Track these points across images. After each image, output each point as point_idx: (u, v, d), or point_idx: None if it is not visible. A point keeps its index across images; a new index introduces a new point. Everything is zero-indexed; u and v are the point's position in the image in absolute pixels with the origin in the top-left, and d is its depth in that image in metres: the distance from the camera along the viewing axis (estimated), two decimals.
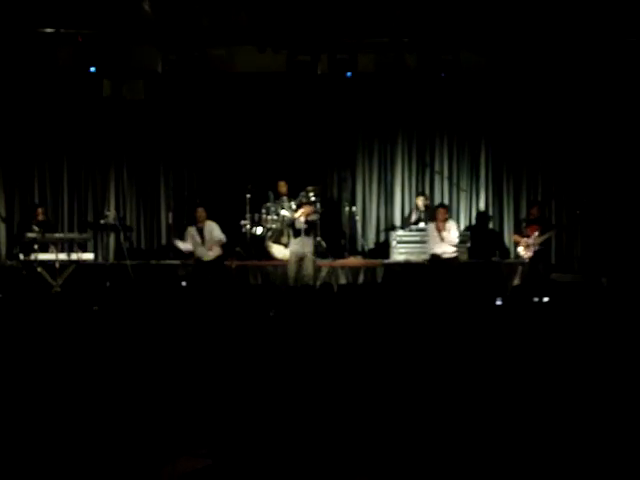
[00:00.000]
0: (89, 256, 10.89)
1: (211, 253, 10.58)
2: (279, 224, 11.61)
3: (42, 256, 10.28)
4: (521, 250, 10.99)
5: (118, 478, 3.32)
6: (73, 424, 3.62)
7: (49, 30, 10.82)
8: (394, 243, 11.79)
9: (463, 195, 12.75)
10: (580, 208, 11.78)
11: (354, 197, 12.71)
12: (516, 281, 11.05)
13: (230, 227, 11.20)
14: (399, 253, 11.67)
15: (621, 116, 12.01)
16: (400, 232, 11.92)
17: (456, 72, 11.46)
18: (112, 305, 7.26)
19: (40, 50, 11.02)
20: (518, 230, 11.69)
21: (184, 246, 10.64)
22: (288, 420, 3.66)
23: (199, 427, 3.66)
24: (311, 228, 10.57)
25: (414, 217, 12.04)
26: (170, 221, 11.98)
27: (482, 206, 12.73)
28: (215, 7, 10.65)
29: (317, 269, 10.76)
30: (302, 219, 10.48)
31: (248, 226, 11.74)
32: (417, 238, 11.57)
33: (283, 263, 10.98)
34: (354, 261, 11.84)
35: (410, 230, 11.79)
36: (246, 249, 11.71)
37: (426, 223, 11.47)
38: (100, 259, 11.87)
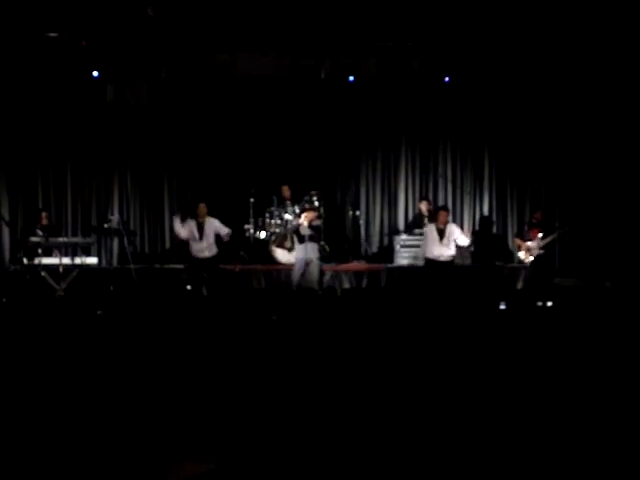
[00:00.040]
0: (93, 260, 10.90)
1: (207, 252, 10.58)
2: (282, 228, 11.62)
3: (46, 260, 10.28)
4: (522, 254, 10.97)
5: None
6: (77, 428, 3.62)
7: (53, 34, 10.85)
8: (398, 247, 11.79)
9: (467, 200, 12.75)
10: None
11: (358, 201, 12.72)
12: (520, 285, 11.04)
13: (234, 231, 11.21)
14: (403, 257, 11.67)
15: (624, 120, 12.01)
16: (404, 236, 11.92)
17: (459, 77, 11.47)
18: (116, 309, 7.25)
19: (44, 54, 11.06)
20: (520, 233, 11.68)
21: (180, 229, 10.57)
22: (292, 424, 3.66)
23: (202, 431, 3.66)
24: (315, 233, 10.58)
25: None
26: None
27: (486, 211, 12.73)
28: (219, 12, 10.67)
29: (322, 273, 10.77)
30: (306, 224, 10.49)
31: (252, 230, 11.76)
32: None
33: (287, 267, 10.98)
34: (358, 265, 11.84)
35: (414, 234, 11.79)
36: (250, 253, 11.72)
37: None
38: (104, 263, 11.88)
